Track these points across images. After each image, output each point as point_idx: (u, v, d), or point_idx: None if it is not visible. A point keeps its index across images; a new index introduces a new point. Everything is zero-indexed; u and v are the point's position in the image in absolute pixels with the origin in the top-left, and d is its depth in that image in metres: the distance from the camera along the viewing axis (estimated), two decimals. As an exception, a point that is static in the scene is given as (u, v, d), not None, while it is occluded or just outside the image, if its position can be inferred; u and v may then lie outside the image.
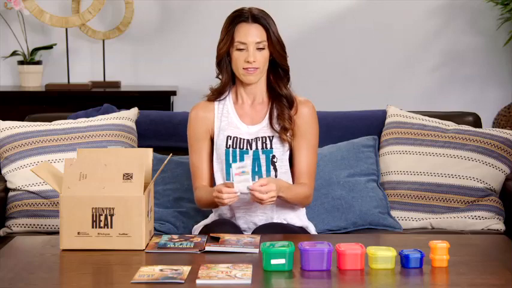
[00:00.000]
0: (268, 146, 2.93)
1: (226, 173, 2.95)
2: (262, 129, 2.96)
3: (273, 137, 2.94)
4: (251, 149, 2.93)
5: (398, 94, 4.91)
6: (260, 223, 2.93)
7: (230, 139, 2.94)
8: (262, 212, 2.93)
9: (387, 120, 3.56)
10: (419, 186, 3.36)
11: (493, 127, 4.61)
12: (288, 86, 3.01)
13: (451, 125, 3.50)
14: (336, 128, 3.57)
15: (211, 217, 3.03)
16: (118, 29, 4.82)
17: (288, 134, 2.93)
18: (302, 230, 2.97)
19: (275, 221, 2.95)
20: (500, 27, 4.84)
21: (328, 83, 4.95)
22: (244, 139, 2.95)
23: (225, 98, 3.00)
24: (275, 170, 2.92)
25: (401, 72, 4.96)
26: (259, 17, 2.92)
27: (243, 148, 2.93)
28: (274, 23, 2.95)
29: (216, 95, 2.99)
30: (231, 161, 2.92)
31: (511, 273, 2.28)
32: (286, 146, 2.95)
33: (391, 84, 4.95)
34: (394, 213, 3.34)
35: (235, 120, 2.97)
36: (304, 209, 3.04)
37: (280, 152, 2.94)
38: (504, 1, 4.68)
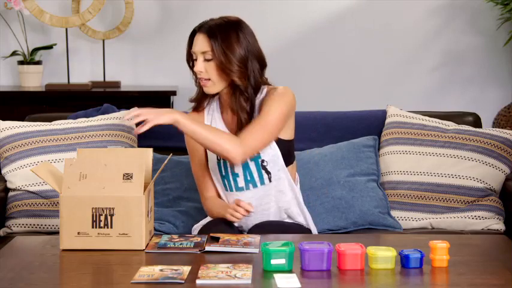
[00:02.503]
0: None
1: (224, 184, 2.96)
2: None
3: None
4: None
5: (398, 94, 4.92)
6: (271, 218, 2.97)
7: None
8: (273, 210, 2.97)
9: (387, 120, 3.56)
10: (419, 186, 3.36)
11: (493, 127, 4.61)
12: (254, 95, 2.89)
13: (451, 125, 3.50)
14: (336, 128, 3.57)
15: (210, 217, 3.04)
16: (118, 29, 4.82)
17: None
18: (296, 225, 2.99)
19: (282, 216, 2.99)
20: (500, 27, 4.84)
21: (329, 83, 4.95)
22: None
23: (213, 106, 2.99)
24: (267, 173, 2.92)
25: (401, 72, 4.96)
26: (206, 27, 2.87)
27: None
28: (230, 35, 2.85)
29: (196, 105, 3.00)
30: (223, 173, 2.94)
31: (511, 273, 2.28)
32: (273, 145, 2.91)
33: (391, 84, 4.95)
34: (394, 213, 3.34)
35: (223, 129, 2.94)
36: (306, 208, 3.05)
37: (269, 154, 2.91)
38: (504, 1, 4.68)
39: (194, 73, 2.93)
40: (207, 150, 2.96)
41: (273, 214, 2.97)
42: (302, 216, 3.02)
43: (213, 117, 2.98)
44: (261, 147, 2.85)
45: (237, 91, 2.89)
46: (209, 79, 2.87)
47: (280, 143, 2.92)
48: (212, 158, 2.96)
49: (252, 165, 2.91)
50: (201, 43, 2.86)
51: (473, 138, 3.41)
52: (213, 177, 2.99)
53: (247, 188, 2.93)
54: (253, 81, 2.88)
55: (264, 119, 2.84)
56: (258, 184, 2.92)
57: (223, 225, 2.84)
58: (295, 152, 3.36)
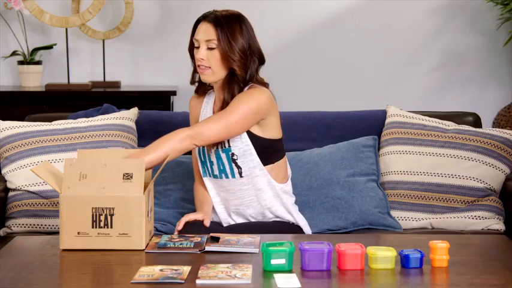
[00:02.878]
0: (226, 144, 2.93)
1: (202, 169, 3.03)
2: None
3: None
4: (212, 148, 2.95)
5: (398, 94, 4.92)
6: (251, 218, 3.01)
7: None
8: (253, 209, 2.99)
9: (387, 120, 3.56)
10: (419, 186, 3.36)
11: (493, 127, 4.61)
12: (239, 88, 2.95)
13: (451, 125, 3.50)
14: (336, 128, 3.57)
15: None
16: (118, 29, 4.82)
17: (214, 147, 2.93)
18: (279, 223, 3.00)
19: (267, 216, 3.01)
20: (500, 27, 4.84)
21: (328, 83, 4.95)
22: None
23: (211, 93, 3.06)
24: (237, 167, 2.95)
25: (401, 72, 4.96)
26: (212, 17, 2.92)
27: (208, 146, 2.98)
28: (235, 27, 2.90)
29: (197, 91, 3.09)
30: (202, 159, 3.00)
31: (511, 273, 2.28)
32: (245, 140, 2.93)
33: (391, 84, 4.96)
34: (394, 213, 3.34)
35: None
36: (294, 204, 3.07)
37: (241, 149, 2.93)
38: (504, 1, 4.69)
39: (193, 61, 2.98)
40: None
41: (251, 211, 3.00)
42: (290, 215, 3.03)
43: (207, 104, 3.06)
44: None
45: (234, 79, 2.92)
46: (209, 67, 2.91)
47: (255, 140, 2.93)
48: None
49: (224, 157, 2.95)
50: (206, 31, 2.90)
51: (473, 138, 3.41)
52: (198, 161, 3.06)
53: (221, 177, 2.98)
54: (249, 74, 2.92)
55: (224, 112, 2.87)
56: (230, 176, 2.96)
57: (194, 226, 2.89)
58: (295, 152, 3.39)
